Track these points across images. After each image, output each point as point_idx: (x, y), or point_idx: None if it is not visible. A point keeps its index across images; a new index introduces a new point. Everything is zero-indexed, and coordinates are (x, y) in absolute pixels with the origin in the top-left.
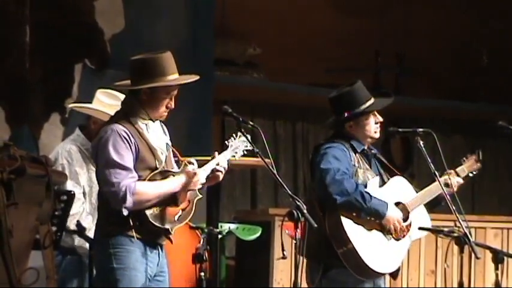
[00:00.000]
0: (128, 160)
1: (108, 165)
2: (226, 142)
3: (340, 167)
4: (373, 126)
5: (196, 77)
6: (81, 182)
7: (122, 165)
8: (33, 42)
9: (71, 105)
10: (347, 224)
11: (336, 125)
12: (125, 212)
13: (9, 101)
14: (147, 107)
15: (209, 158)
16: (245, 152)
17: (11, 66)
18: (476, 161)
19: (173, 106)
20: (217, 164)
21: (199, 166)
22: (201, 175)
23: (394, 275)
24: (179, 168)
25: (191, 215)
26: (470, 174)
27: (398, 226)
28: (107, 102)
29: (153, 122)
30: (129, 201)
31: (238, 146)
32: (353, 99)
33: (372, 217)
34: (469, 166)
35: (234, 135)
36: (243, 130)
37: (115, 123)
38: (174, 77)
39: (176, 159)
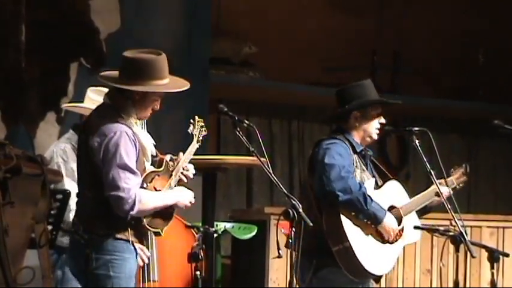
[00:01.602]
0: (134, 163)
1: (119, 168)
2: (188, 131)
3: (344, 164)
4: (375, 125)
5: (188, 85)
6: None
7: (132, 170)
8: (29, 41)
9: (63, 106)
10: (346, 221)
11: (343, 114)
12: (128, 218)
13: (5, 99)
14: (136, 106)
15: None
16: (203, 138)
17: (7, 65)
18: (463, 174)
19: (158, 108)
20: (184, 168)
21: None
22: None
23: (377, 279)
24: (156, 164)
25: (173, 216)
26: (457, 187)
27: (392, 236)
28: (97, 99)
29: (139, 121)
30: (136, 209)
31: (198, 133)
32: (364, 91)
33: (369, 221)
34: (456, 178)
35: (192, 120)
36: (197, 117)
37: (117, 123)
38: (167, 81)
39: (156, 158)
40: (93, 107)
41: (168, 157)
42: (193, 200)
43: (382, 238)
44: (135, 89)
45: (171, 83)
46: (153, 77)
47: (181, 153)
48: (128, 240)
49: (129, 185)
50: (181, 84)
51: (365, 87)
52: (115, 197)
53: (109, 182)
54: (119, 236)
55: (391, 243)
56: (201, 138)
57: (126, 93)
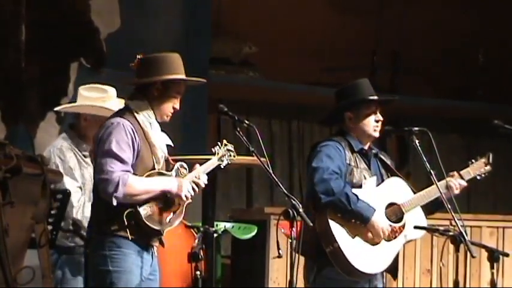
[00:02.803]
0: (127, 155)
1: (106, 155)
2: (212, 149)
3: (330, 166)
4: (372, 123)
5: (204, 80)
6: (76, 178)
7: (120, 158)
8: (29, 41)
9: (57, 109)
10: (333, 223)
11: (335, 115)
12: (114, 202)
13: (5, 99)
14: (155, 104)
15: (199, 157)
16: (229, 162)
17: (7, 65)
18: (485, 164)
19: (178, 108)
20: (196, 177)
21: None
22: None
23: (393, 275)
24: (169, 169)
25: (181, 217)
26: (478, 177)
27: (382, 236)
28: (90, 96)
29: (157, 121)
30: (120, 192)
31: (224, 154)
32: (357, 91)
33: (357, 220)
34: (476, 168)
35: (219, 143)
36: (225, 141)
37: (121, 117)
38: (183, 76)
39: (166, 160)
40: (87, 102)
41: (179, 163)
42: (189, 193)
43: (371, 240)
44: (154, 80)
45: (191, 77)
46: (169, 71)
47: (197, 165)
48: (128, 238)
49: (113, 168)
50: (197, 79)
51: (359, 87)
52: (99, 180)
53: (96, 168)
54: (119, 233)
55: (388, 240)
56: (225, 160)
57: (144, 91)
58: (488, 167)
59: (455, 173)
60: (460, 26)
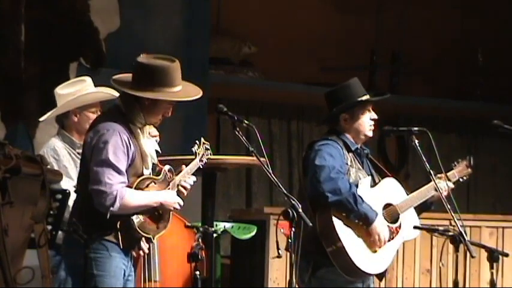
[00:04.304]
0: (123, 164)
1: (104, 164)
2: (192, 149)
3: (335, 165)
4: (367, 123)
5: (200, 93)
6: (72, 176)
7: (117, 168)
8: (29, 41)
9: (42, 118)
10: (338, 222)
11: (331, 118)
12: (108, 215)
13: (4, 99)
14: (146, 112)
15: (188, 157)
16: (206, 161)
17: (6, 64)
18: (467, 167)
19: (170, 115)
20: (183, 179)
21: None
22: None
23: (380, 276)
24: (155, 172)
25: (170, 222)
26: (461, 180)
27: (379, 242)
28: (70, 91)
29: (147, 126)
30: (116, 206)
31: (203, 154)
32: (349, 92)
33: (360, 221)
34: (459, 171)
35: (197, 142)
36: (203, 139)
37: (115, 122)
38: (179, 89)
39: (154, 164)
40: (70, 98)
41: (167, 167)
42: (178, 206)
43: (371, 242)
44: (145, 96)
45: (182, 91)
46: (164, 84)
47: (183, 166)
48: (116, 243)
49: (112, 181)
50: (193, 93)
51: (350, 87)
52: (96, 191)
53: (93, 177)
54: (108, 238)
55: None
56: (204, 160)
57: (136, 97)
58: (469, 170)
59: (442, 175)
60: (460, 26)
